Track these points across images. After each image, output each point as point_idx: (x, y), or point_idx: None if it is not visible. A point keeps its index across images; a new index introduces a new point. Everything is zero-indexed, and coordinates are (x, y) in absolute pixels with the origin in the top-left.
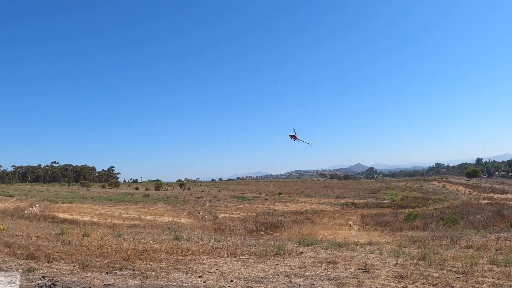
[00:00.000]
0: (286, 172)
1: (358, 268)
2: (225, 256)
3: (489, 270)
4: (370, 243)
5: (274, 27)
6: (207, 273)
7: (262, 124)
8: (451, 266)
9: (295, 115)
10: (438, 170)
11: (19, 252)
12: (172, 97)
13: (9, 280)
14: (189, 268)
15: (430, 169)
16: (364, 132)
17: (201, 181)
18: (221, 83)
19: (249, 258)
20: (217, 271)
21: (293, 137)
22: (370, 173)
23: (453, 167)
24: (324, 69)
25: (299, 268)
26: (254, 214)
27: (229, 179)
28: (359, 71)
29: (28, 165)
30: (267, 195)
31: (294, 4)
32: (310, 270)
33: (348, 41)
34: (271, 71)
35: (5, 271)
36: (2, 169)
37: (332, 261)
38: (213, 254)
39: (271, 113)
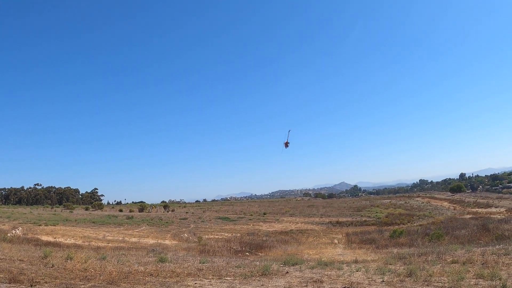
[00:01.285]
0: (270, 192)
1: (344, 287)
2: (210, 277)
3: (475, 284)
4: (356, 261)
5: (259, 47)
6: None
7: (246, 146)
8: (437, 282)
9: (278, 137)
10: (422, 186)
11: (1, 275)
12: (155, 120)
13: None
14: None
15: (414, 185)
16: (347, 150)
17: (185, 202)
18: (204, 106)
19: (234, 279)
20: None
21: (286, 144)
22: (355, 191)
23: (437, 183)
24: (306, 90)
25: None
26: (239, 234)
27: (214, 200)
28: (341, 92)
29: (11, 187)
30: (251, 215)
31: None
32: None
33: (331, 60)
34: (253, 93)
35: None
36: None
37: (318, 280)
38: (198, 275)
39: (254, 134)
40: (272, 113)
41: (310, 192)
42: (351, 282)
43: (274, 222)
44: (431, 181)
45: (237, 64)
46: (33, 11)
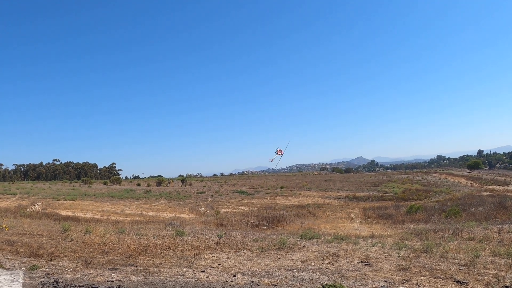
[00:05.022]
0: (287, 166)
1: (361, 261)
2: (227, 251)
3: (491, 262)
4: (372, 236)
5: (278, 21)
6: (209, 268)
7: (264, 119)
8: (453, 259)
9: (296, 110)
10: (440, 162)
11: (21, 250)
12: (173, 94)
13: (12, 278)
14: (192, 263)
15: (432, 161)
16: (365, 125)
17: (202, 176)
18: (222, 79)
19: (251, 253)
20: (219, 266)
21: (279, 152)
22: (372, 166)
23: (455, 159)
24: (325, 64)
25: (302, 262)
26: (256, 208)
27: (231, 174)
28: (360, 67)
29: (30, 163)
30: (268, 189)
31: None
32: (313, 263)
33: (350, 36)
34: (271, 67)
35: (8, 269)
36: (3, 167)
37: (335, 254)
38: (216, 249)
39: (272, 107)
40: (290, 84)
41: (327, 166)
42: (368, 257)
43: (291, 196)
44: (449, 157)
45: (261, 32)
46: None
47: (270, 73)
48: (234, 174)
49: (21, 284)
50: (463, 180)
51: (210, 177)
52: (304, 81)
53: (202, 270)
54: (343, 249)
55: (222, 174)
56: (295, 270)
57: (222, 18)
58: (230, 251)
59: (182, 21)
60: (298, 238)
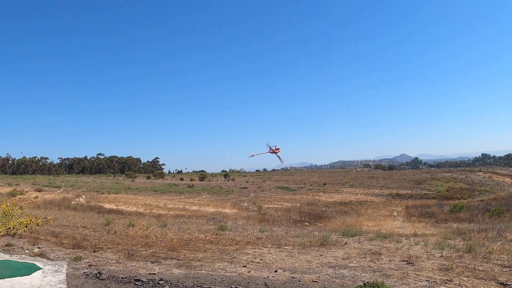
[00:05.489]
0: (330, 162)
1: (403, 260)
2: (269, 246)
3: None
4: (415, 235)
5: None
6: (251, 263)
7: (307, 114)
8: (497, 260)
9: (339, 106)
10: (484, 161)
11: (66, 241)
12: (216, 87)
13: (56, 268)
14: (234, 258)
15: (476, 159)
16: (408, 122)
17: (245, 171)
18: (267, 72)
19: (293, 249)
20: (261, 261)
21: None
22: (415, 163)
23: (500, 158)
24: (368, 61)
25: (343, 259)
26: (298, 204)
27: (274, 170)
28: (406, 62)
29: (75, 157)
30: (311, 185)
31: None
32: (354, 261)
33: (395, 32)
34: (314, 62)
35: (52, 260)
36: (49, 161)
37: (377, 252)
38: (257, 244)
39: (315, 103)
40: (334, 80)
41: (370, 163)
42: (410, 256)
43: (334, 192)
44: (494, 155)
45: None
46: None
47: (313, 68)
48: (276, 170)
49: (65, 275)
50: (508, 180)
51: (253, 172)
52: (347, 77)
53: (244, 265)
54: (385, 247)
55: (265, 169)
56: (336, 267)
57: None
58: (272, 247)
59: (222, 17)
60: (340, 235)
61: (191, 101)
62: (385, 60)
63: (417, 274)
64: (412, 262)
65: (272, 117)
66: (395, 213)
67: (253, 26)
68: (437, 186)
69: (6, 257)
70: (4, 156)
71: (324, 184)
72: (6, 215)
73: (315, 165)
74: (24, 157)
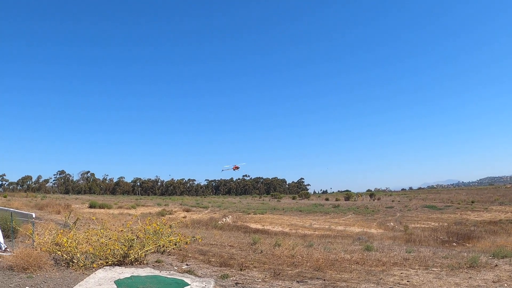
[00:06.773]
0: (478, 179)
1: None
2: (416, 267)
3: None
4: None
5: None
6: (398, 285)
7: (448, 127)
8: None
9: (492, 117)
10: None
11: (213, 259)
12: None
13: (204, 285)
14: (380, 279)
15: None
16: None
17: (391, 190)
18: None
19: (441, 270)
20: (408, 283)
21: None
22: None
23: None
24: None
25: (493, 282)
26: (445, 224)
27: (420, 188)
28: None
29: (221, 179)
30: (459, 203)
31: None
32: (505, 284)
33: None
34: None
35: (200, 276)
36: (196, 182)
37: None
38: (404, 265)
39: (460, 111)
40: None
41: None
42: None
43: (482, 211)
44: None
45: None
46: None
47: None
48: (423, 188)
49: None
50: None
51: (399, 191)
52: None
53: (390, 286)
54: None
55: (410, 188)
56: None
57: None
58: (419, 268)
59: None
60: (490, 256)
61: (333, 121)
62: None
63: None
64: None
65: (413, 132)
66: None
67: None
68: None
69: (156, 272)
70: (153, 178)
71: (472, 202)
72: (157, 233)
73: (462, 182)
74: (172, 179)
